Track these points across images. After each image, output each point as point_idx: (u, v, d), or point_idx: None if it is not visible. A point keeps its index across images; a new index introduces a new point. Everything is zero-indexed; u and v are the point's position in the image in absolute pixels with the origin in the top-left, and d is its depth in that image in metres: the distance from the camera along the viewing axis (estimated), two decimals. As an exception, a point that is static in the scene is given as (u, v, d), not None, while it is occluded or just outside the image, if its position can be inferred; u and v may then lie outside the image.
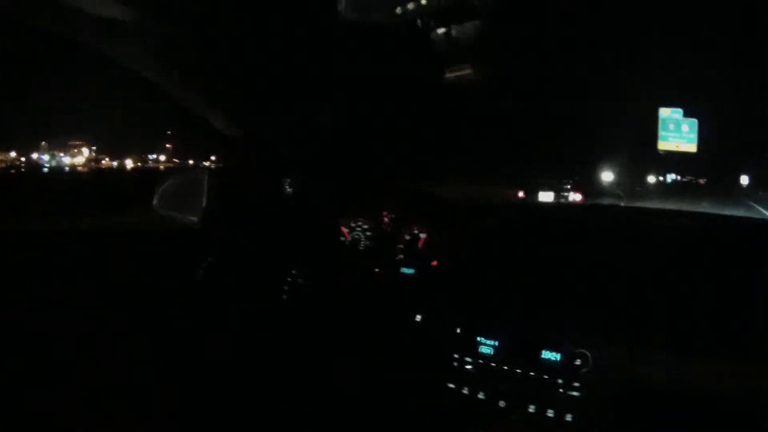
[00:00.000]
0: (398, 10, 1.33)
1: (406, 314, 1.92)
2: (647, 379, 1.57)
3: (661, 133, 7.02)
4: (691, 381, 1.53)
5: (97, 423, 1.80)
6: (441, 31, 1.40)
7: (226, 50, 1.92)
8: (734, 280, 1.68)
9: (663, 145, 7.07)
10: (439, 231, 2.07)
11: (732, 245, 1.81)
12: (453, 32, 1.41)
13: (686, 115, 6.99)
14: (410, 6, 1.32)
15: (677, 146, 7.00)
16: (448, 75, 1.59)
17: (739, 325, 1.56)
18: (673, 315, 1.64)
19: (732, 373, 1.51)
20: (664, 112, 7.04)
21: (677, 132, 6.99)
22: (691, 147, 7.04)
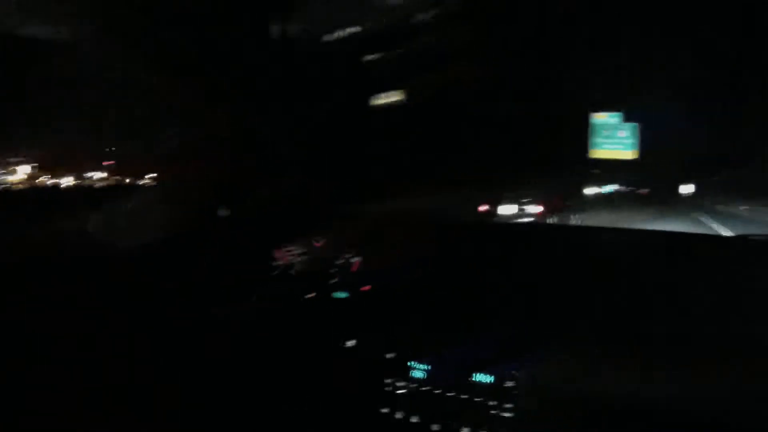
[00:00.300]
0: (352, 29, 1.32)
1: (339, 339, 1.90)
2: (578, 396, 1.57)
3: (593, 139, 6.56)
4: (620, 394, 1.54)
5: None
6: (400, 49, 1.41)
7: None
8: (653, 289, 1.76)
9: (596, 153, 6.56)
10: (370, 255, 2.08)
11: (649, 257, 1.89)
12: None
13: (628, 119, 6.54)
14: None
15: (613, 154, 6.54)
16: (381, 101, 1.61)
17: (666, 334, 1.62)
18: (598, 330, 1.68)
19: (661, 382, 1.54)
20: (598, 117, 6.62)
21: (613, 138, 6.56)
22: (629, 154, 6.56)
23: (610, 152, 6.61)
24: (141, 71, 1.96)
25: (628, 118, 6.60)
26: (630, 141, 6.53)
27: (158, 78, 2.00)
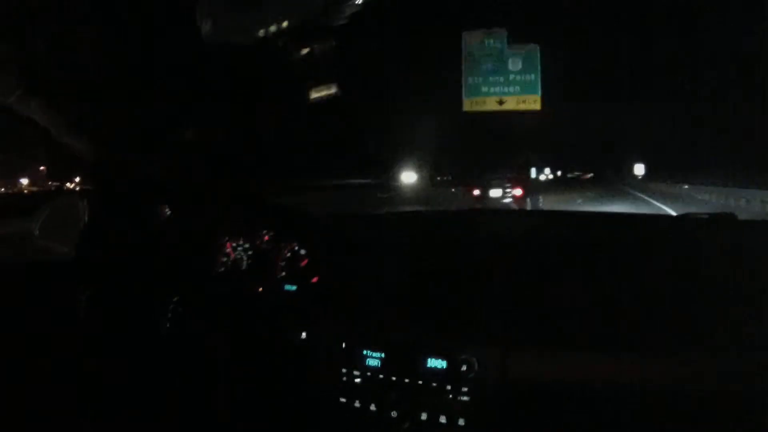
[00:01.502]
0: (261, 32, 1.34)
1: (292, 332, 1.89)
2: (531, 378, 1.62)
3: (468, 78, 3.94)
4: (572, 378, 1.59)
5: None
6: (304, 51, 1.43)
7: (85, 71, 1.88)
8: (603, 277, 1.78)
9: (472, 104, 3.94)
10: (317, 247, 2.06)
11: (596, 242, 1.91)
12: (315, 51, 1.44)
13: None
14: (272, 29, 1.33)
15: (500, 101, 3.93)
16: (314, 95, 1.61)
17: (613, 321, 1.64)
18: (549, 314, 1.70)
19: (612, 368, 1.58)
20: (473, 39, 3.91)
21: (502, 75, 3.92)
22: (530, 102, 3.94)
23: (495, 99, 3.97)
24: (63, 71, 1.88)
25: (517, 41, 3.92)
26: (532, 76, 3.96)
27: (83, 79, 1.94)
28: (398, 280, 1.92)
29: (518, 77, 3.95)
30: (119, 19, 1.99)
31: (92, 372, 1.85)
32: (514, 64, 3.94)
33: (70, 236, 1.89)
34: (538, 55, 4.01)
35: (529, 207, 9.81)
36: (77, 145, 1.86)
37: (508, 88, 3.97)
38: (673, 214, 4.48)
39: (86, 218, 1.91)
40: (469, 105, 4.02)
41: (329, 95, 1.58)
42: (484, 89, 3.97)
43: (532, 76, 3.97)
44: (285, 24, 1.33)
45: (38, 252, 1.88)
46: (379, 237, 2.13)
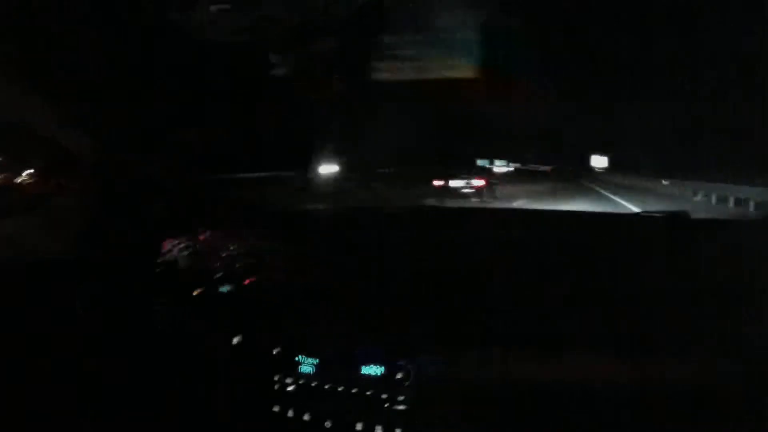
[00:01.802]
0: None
1: (225, 336, 1.84)
2: (472, 386, 1.61)
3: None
4: (515, 383, 1.59)
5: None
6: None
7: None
8: (553, 271, 1.78)
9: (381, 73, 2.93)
10: (254, 246, 2.02)
11: (548, 238, 1.90)
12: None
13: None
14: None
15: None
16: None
17: (563, 317, 1.64)
18: (493, 317, 1.69)
19: (561, 367, 1.58)
20: None
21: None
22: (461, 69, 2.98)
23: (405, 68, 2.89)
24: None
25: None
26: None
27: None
28: (336, 284, 1.87)
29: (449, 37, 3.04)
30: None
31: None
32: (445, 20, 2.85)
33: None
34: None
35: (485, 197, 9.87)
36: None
37: (432, 49, 2.94)
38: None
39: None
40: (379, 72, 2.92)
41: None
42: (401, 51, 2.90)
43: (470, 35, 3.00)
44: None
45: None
46: (320, 236, 2.08)
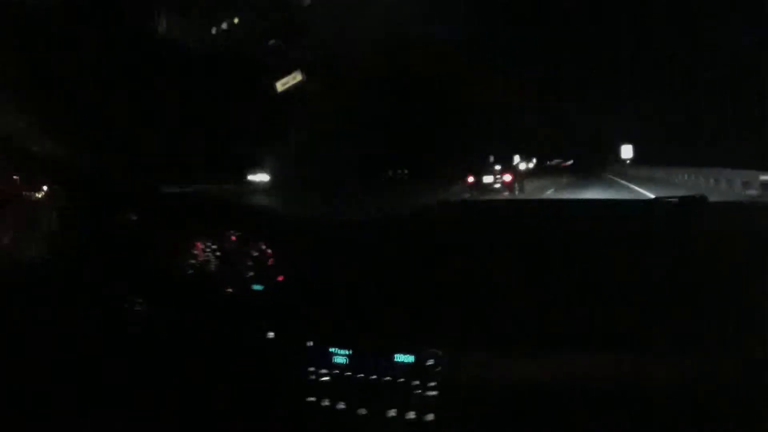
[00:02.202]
0: (212, 30, 1.34)
1: (259, 332, 1.88)
2: (502, 376, 1.60)
3: None
4: (543, 377, 1.58)
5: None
6: (272, 42, 1.43)
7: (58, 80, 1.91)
8: (579, 264, 1.73)
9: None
10: (283, 246, 2.05)
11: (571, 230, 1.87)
12: (278, 44, 1.43)
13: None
14: (224, 26, 1.33)
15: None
16: (279, 87, 1.60)
17: (591, 315, 1.62)
18: (522, 310, 1.67)
19: (585, 365, 1.56)
20: None
21: None
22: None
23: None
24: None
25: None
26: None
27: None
28: (365, 278, 1.90)
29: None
30: (85, 28, 2.04)
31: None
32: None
33: (40, 241, 1.90)
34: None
35: (516, 191, 10.74)
36: (48, 153, 1.86)
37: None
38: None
39: (56, 224, 1.92)
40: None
41: (296, 83, 1.57)
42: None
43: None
44: (236, 21, 1.33)
45: (8, 257, 1.89)
46: (345, 237, 2.11)
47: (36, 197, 1.99)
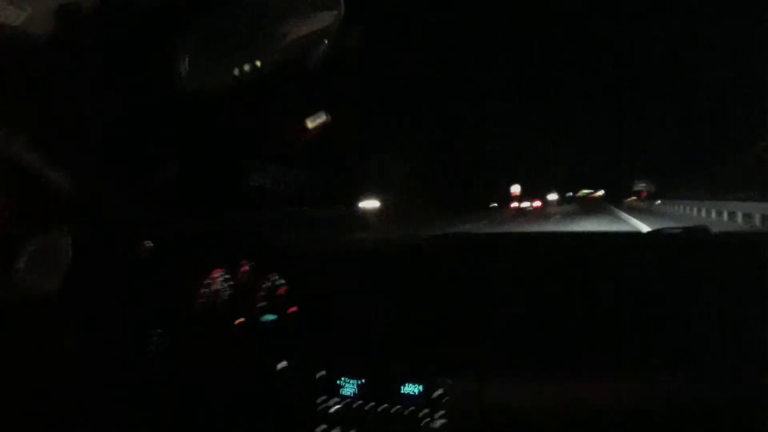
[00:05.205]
0: (236, 71, 1.38)
1: (269, 362, 1.90)
2: (513, 405, 1.62)
3: None
4: (556, 404, 1.59)
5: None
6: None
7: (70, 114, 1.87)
8: (581, 293, 1.80)
9: None
10: (295, 278, 2.08)
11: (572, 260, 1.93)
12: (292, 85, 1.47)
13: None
14: (246, 68, 1.37)
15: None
16: (309, 125, 1.64)
17: (597, 340, 1.66)
18: (530, 338, 1.71)
19: (597, 390, 1.58)
20: None
21: None
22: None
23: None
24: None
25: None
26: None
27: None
28: (374, 309, 1.93)
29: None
30: (101, 60, 2.02)
31: (92, 372, 1.88)
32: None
33: (54, 273, 1.89)
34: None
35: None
36: (60, 184, 1.86)
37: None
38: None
39: (70, 255, 1.91)
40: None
41: (323, 123, 1.60)
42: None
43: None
44: (258, 63, 1.37)
45: (23, 288, 1.87)
46: (356, 266, 2.15)
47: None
